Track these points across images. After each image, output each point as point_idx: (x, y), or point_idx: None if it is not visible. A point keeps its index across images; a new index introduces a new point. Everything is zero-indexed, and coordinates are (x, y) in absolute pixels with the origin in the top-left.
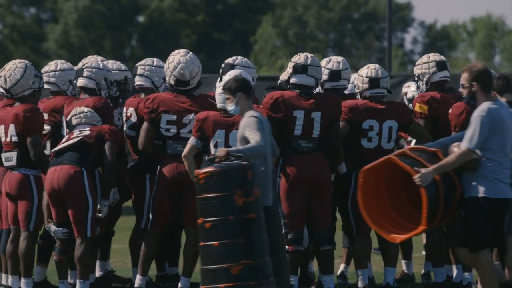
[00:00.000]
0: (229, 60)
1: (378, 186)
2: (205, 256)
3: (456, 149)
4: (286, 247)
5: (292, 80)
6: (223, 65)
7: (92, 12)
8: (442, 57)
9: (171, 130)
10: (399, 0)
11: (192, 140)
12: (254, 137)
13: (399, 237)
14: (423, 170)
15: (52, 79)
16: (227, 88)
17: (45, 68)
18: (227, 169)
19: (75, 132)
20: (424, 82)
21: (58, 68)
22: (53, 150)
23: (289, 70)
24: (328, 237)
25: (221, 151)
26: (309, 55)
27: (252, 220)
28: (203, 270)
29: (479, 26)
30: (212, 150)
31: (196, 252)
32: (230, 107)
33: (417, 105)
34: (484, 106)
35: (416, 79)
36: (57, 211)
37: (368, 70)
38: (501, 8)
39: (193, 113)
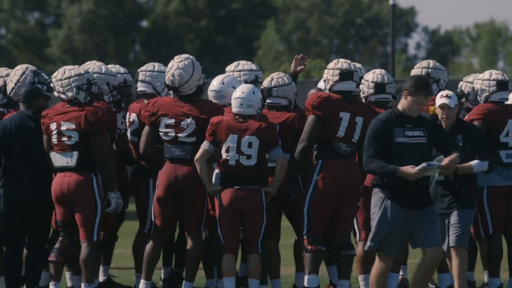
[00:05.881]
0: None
1: None
2: None
3: None
4: (308, 246)
5: (338, 87)
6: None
7: (96, 16)
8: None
9: (169, 134)
10: (402, 5)
11: (204, 144)
12: None
13: None
14: None
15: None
16: None
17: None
18: None
19: None
20: None
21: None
22: None
23: (331, 77)
24: (350, 242)
25: None
26: (347, 61)
27: None
28: None
29: (482, 31)
30: (224, 155)
31: (198, 256)
32: None
33: None
34: None
35: None
36: (63, 211)
37: (374, 75)
38: (505, 14)
39: (191, 117)
